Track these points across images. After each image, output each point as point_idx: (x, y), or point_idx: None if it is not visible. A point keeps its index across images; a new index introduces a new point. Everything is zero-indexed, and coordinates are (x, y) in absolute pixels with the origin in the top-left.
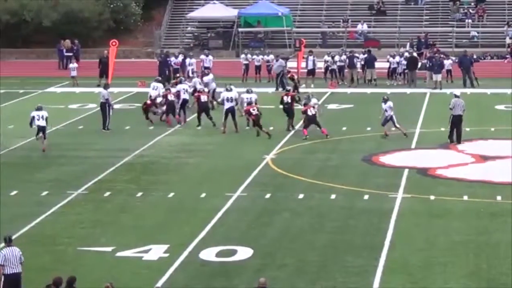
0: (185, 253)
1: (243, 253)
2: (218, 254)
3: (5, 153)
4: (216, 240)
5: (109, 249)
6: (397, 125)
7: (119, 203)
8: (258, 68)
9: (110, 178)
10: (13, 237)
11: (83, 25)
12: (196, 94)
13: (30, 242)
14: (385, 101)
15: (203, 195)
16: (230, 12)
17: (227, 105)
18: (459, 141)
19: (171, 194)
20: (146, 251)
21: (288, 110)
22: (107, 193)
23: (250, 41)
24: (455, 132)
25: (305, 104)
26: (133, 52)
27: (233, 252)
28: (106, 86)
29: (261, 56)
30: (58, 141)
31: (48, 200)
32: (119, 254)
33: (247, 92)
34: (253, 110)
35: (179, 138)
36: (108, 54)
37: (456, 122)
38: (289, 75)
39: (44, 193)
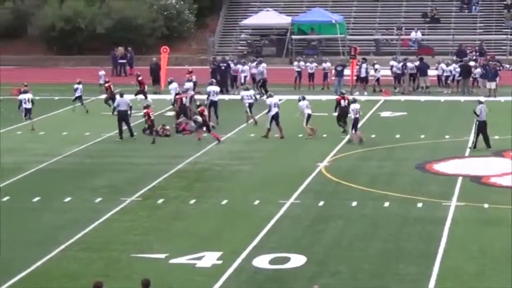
0: (238, 260)
1: (297, 260)
2: (271, 262)
3: (59, 160)
4: (269, 247)
5: (162, 256)
6: (354, 132)
7: (172, 210)
8: (311, 76)
9: (164, 185)
10: (67, 243)
11: (137, 32)
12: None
13: (83, 249)
14: (354, 101)
15: (257, 202)
16: (284, 20)
17: (274, 110)
18: (488, 145)
19: (225, 201)
20: (199, 258)
21: (345, 114)
22: (161, 200)
23: (304, 49)
24: (483, 137)
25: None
26: (186, 59)
27: (287, 260)
28: (121, 94)
29: (314, 64)
30: (112, 148)
31: (102, 207)
32: (172, 261)
33: (303, 99)
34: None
35: (232, 145)
36: (157, 61)
37: (482, 128)
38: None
39: (98, 199)
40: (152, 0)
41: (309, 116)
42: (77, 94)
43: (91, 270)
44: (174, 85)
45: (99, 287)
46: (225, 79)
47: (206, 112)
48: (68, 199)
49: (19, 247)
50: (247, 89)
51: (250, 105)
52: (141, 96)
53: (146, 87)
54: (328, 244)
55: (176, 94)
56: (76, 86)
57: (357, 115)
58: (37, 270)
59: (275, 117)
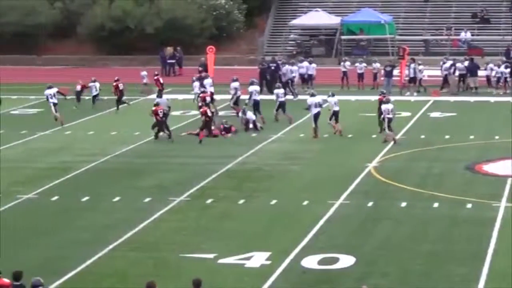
0: (287, 261)
1: (346, 261)
2: (320, 262)
3: (109, 159)
4: (318, 247)
5: (211, 256)
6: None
7: (221, 210)
8: (360, 76)
9: (213, 185)
10: (116, 243)
11: (186, 32)
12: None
13: (132, 249)
14: (387, 102)
15: (306, 202)
16: (333, 20)
17: (315, 110)
18: None
19: (274, 201)
20: (248, 258)
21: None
22: (210, 200)
23: (353, 49)
24: None
25: None
26: (235, 59)
27: (335, 260)
28: (161, 94)
29: (364, 64)
30: (161, 148)
31: (151, 207)
32: (221, 261)
33: (332, 95)
34: None
35: (281, 145)
36: (206, 61)
37: None
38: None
39: (147, 199)
40: (202, 0)
41: (334, 113)
42: (93, 93)
43: (140, 270)
44: (209, 81)
45: (152, 287)
46: (274, 79)
47: (209, 113)
48: (117, 198)
49: (68, 247)
50: (279, 88)
51: (282, 104)
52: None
53: (163, 86)
54: (377, 244)
55: (201, 92)
56: (91, 84)
57: (390, 115)
58: (86, 270)
59: (316, 117)
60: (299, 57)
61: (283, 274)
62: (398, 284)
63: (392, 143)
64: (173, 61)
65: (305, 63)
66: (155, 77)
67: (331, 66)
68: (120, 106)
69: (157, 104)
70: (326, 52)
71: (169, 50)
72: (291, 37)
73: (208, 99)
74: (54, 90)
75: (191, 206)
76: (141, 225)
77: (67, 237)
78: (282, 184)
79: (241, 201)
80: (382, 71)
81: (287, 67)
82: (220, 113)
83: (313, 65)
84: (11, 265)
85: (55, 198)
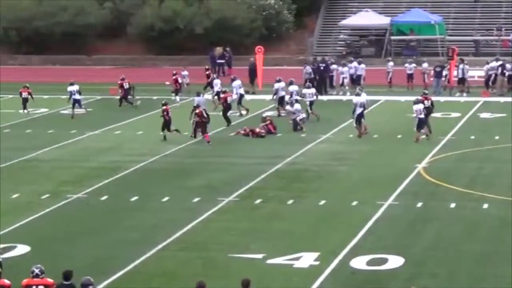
0: (336, 261)
1: (394, 261)
2: (369, 263)
3: (158, 159)
4: (367, 248)
5: (259, 256)
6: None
7: (270, 210)
8: (410, 76)
9: (262, 185)
10: (165, 243)
11: (235, 33)
12: (223, 95)
13: (181, 248)
14: (417, 102)
15: (354, 203)
16: (383, 20)
17: (359, 110)
18: None
19: (322, 202)
20: (297, 259)
21: (427, 114)
22: (258, 200)
23: (403, 49)
24: None
25: None
26: (285, 59)
27: (384, 261)
28: (199, 94)
29: (413, 65)
30: (210, 148)
31: (200, 207)
32: (269, 261)
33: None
34: None
35: (330, 146)
36: (255, 61)
37: None
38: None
39: (196, 199)
40: (251, 0)
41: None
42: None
43: (189, 270)
44: (237, 83)
45: (202, 287)
46: (324, 79)
47: (205, 114)
48: (166, 198)
49: (117, 247)
50: (309, 87)
51: (311, 103)
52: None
53: (180, 86)
54: (426, 245)
55: (222, 92)
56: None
57: (421, 115)
58: (134, 270)
59: (359, 117)
60: (349, 57)
61: (331, 274)
62: (447, 284)
63: (441, 144)
64: (223, 61)
65: (354, 64)
66: (174, 77)
67: (380, 66)
68: (123, 104)
69: (198, 106)
70: (375, 52)
71: (219, 50)
72: (341, 37)
73: (229, 99)
74: (76, 87)
75: (240, 206)
76: (190, 225)
77: (115, 237)
78: (331, 184)
79: (290, 202)
80: (432, 72)
81: (307, 68)
82: (269, 113)
83: (362, 65)
84: (60, 265)
85: (104, 197)
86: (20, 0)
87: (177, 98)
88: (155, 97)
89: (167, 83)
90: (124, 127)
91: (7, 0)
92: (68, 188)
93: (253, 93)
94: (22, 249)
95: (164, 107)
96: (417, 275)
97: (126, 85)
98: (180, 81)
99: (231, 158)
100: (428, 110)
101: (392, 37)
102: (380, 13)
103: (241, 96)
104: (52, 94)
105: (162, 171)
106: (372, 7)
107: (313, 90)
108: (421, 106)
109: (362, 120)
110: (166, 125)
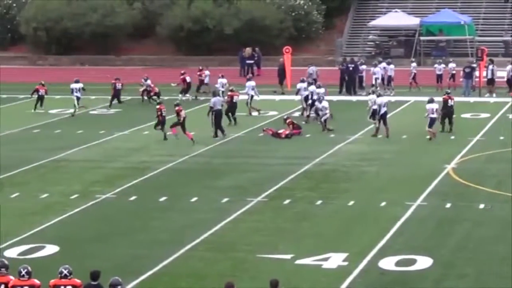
0: (364, 262)
1: (423, 262)
2: (398, 263)
3: (186, 160)
4: (395, 249)
5: (288, 256)
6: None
7: (298, 210)
8: (439, 77)
9: (290, 185)
10: (193, 243)
11: (265, 33)
12: (229, 93)
13: (210, 249)
14: (431, 101)
15: (383, 203)
16: (412, 21)
17: (382, 110)
18: None
19: (351, 202)
20: (326, 259)
21: (450, 114)
22: (287, 201)
23: (432, 50)
24: None
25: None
26: (314, 60)
27: (413, 262)
28: (215, 94)
29: (443, 65)
30: (238, 148)
31: (228, 207)
32: (298, 261)
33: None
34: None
35: (359, 146)
36: (283, 61)
37: None
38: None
39: (225, 199)
40: (280, 1)
41: (374, 112)
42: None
43: (217, 270)
44: (251, 83)
45: (231, 287)
46: (353, 80)
47: (182, 113)
48: (194, 199)
49: (146, 246)
50: (319, 87)
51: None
52: (187, 95)
53: (189, 85)
54: (455, 246)
55: (229, 90)
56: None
57: (434, 115)
58: (163, 269)
59: (383, 117)
60: (378, 58)
61: (360, 275)
62: (476, 285)
63: (470, 144)
64: (252, 61)
65: (383, 64)
66: (182, 76)
67: (410, 67)
68: (113, 103)
69: (213, 106)
70: (405, 53)
71: (248, 50)
72: (370, 38)
73: (235, 98)
74: (80, 85)
75: (268, 206)
76: (219, 226)
77: (144, 237)
78: (359, 185)
79: (319, 202)
80: (461, 72)
81: (311, 68)
82: (296, 114)
83: (391, 66)
84: (89, 265)
85: (133, 198)
86: (50, 0)
87: (189, 96)
88: (184, 98)
89: (173, 84)
90: (153, 127)
91: (37, 0)
92: (97, 188)
93: (282, 93)
94: (50, 249)
95: (158, 106)
96: (446, 276)
97: (118, 86)
98: (188, 80)
99: (259, 159)
100: (451, 110)
101: (422, 38)
102: (409, 14)
103: (251, 97)
104: (83, 94)
105: (190, 171)
106: (402, 7)
107: (322, 90)
108: (434, 105)
109: (387, 119)
110: (160, 124)
